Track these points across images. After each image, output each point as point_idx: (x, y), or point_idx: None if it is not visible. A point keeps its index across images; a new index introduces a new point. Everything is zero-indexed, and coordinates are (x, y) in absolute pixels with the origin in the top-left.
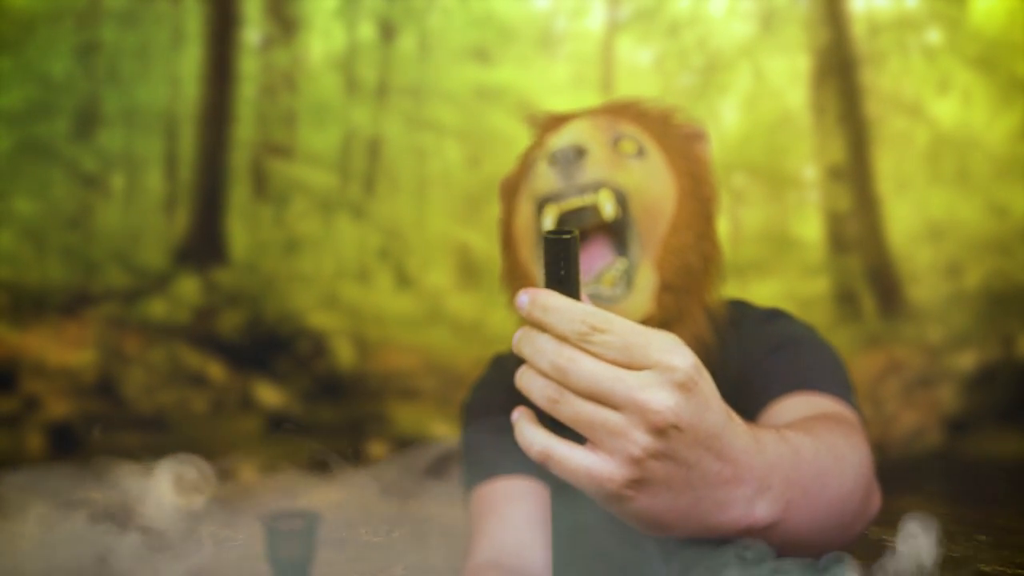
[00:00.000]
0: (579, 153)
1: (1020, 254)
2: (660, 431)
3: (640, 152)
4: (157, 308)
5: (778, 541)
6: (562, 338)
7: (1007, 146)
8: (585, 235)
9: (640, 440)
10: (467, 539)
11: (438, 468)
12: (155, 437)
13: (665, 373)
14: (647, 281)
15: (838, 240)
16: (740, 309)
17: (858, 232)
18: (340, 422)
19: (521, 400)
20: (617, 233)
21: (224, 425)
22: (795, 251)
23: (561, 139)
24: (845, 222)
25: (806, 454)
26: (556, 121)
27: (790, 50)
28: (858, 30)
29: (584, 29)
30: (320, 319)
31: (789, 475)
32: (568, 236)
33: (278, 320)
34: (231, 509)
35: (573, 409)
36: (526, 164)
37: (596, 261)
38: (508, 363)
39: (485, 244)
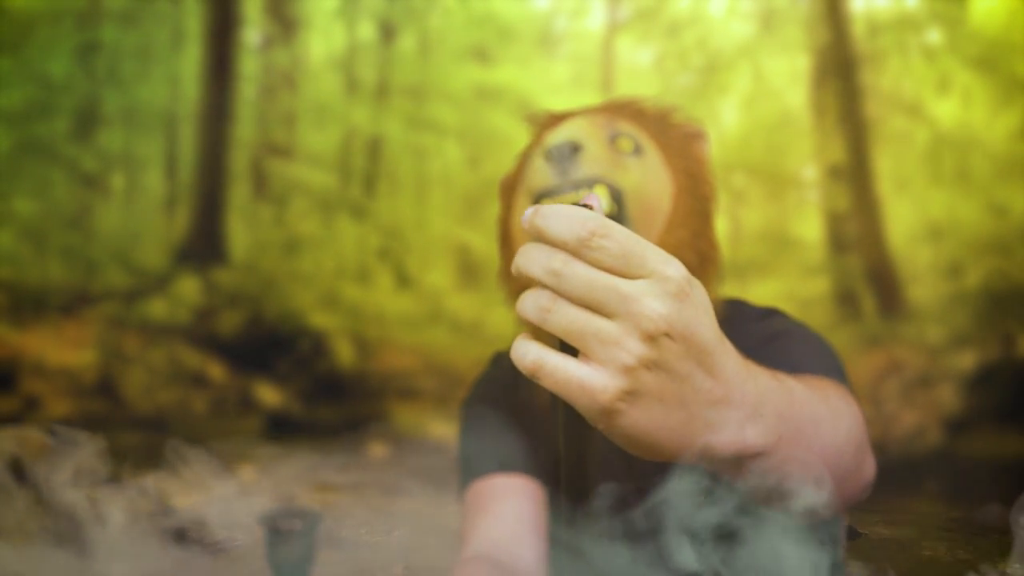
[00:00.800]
0: (574, 149)
1: (1020, 254)
2: (652, 338)
3: (637, 150)
4: (157, 308)
5: (767, 470)
6: (561, 243)
7: (1007, 146)
8: None
9: (633, 348)
10: (460, 534)
11: (437, 469)
12: (155, 437)
13: (659, 283)
14: None
15: (838, 240)
16: (736, 307)
17: (858, 232)
18: (340, 422)
19: (520, 397)
20: None
21: (224, 425)
22: (795, 251)
23: (557, 135)
24: (845, 222)
25: (799, 396)
26: (554, 120)
27: (790, 50)
28: (858, 30)
29: (584, 29)
30: (320, 319)
31: (781, 409)
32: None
33: (278, 320)
34: (231, 509)
35: (565, 318)
36: (524, 162)
37: None
38: (508, 361)
39: (485, 244)
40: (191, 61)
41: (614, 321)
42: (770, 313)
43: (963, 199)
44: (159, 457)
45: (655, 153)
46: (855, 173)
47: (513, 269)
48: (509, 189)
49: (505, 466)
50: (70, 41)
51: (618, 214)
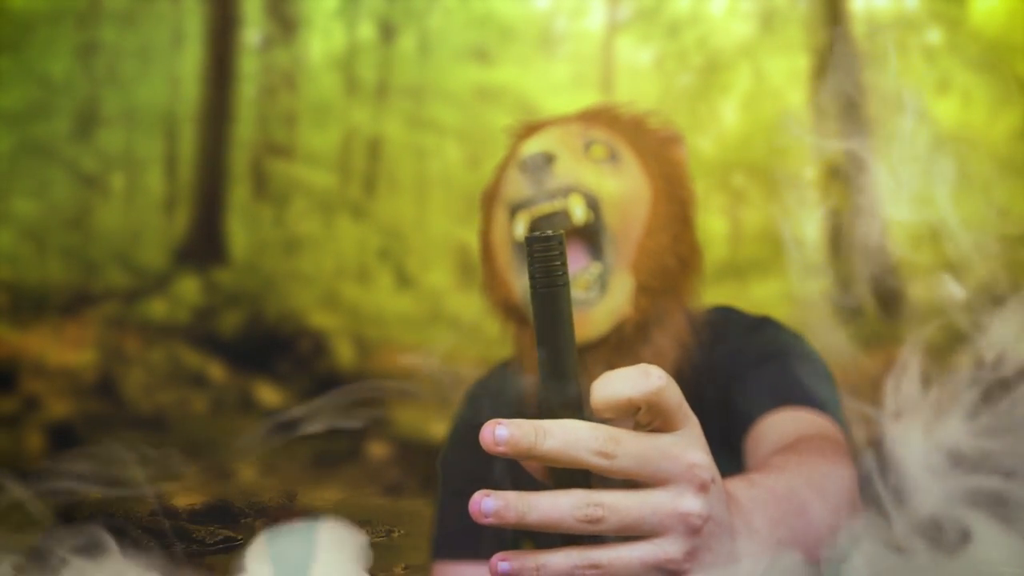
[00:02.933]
0: (548, 159)
1: (1020, 254)
2: (706, 489)
3: (612, 157)
4: (157, 308)
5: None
6: (577, 461)
7: (1007, 146)
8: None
9: (693, 507)
10: None
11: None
12: (155, 437)
13: (687, 435)
14: (622, 284)
15: (838, 240)
16: (726, 316)
17: (858, 232)
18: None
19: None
20: (591, 238)
21: (224, 425)
22: (795, 251)
23: (530, 146)
24: (845, 222)
25: (780, 491)
26: (529, 130)
27: (790, 50)
28: (858, 30)
29: (584, 29)
30: (320, 319)
31: (770, 515)
32: (553, 235)
33: (278, 320)
34: (231, 509)
35: (621, 513)
36: (501, 174)
37: (570, 266)
38: (482, 401)
39: None
40: (191, 61)
41: (668, 488)
42: (761, 323)
43: (963, 199)
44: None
45: (631, 159)
46: (855, 173)
47: (549, 455)
48: (488, 201)
49: (470, 553)
50: (70, 41)
51: (595, 222)
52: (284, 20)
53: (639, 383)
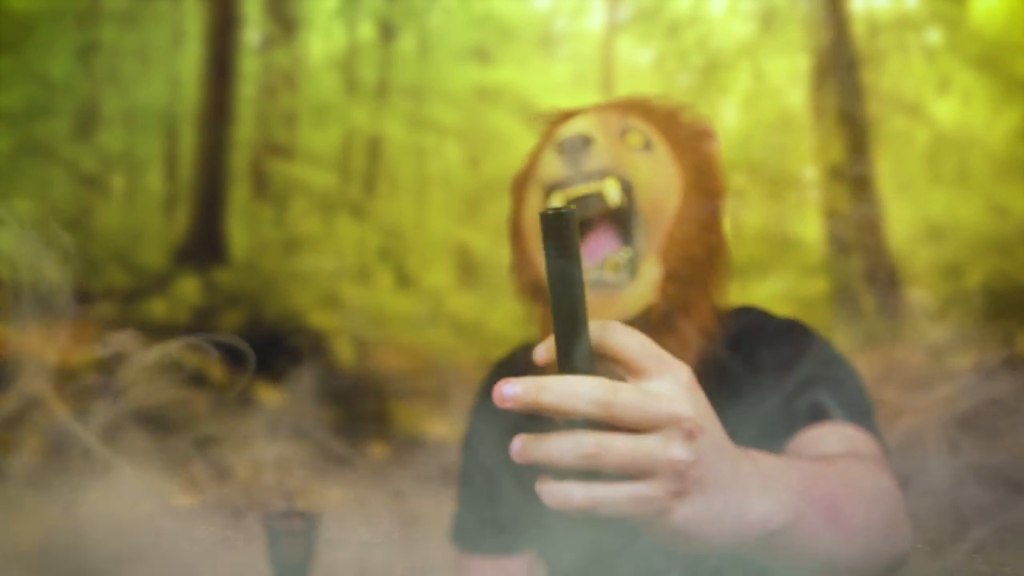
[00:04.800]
0: (585, 142)
1: (1020, 254)
2: (693, 437)
3: (647, 145)
4: (157, 308)
5: (796, 552)
6: (575, 411)
7: (1007, 146)
8: (590, 223)
9: (679, 453)
10: None
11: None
12: (155, 437)
13: (678, 386)
14: (651, 271)
15: (838, 240)
16: (754, 317)
17: (858, 232)
18: (340, 422)
19: (517, 427)
20: (622, 222)
21: (224, 425)
22: (795, 251)
23: (569, 128)
24: (845, 222)
25: (815, 472)
26: (564, 116)
27: (790, 50)
28: (858, 30)
29: (584, 29)
30: (320, 319)
31: (792, 485)
32: (566, 211)
33: (278, 320)
34: (231, 509)
35: (617, 452)
36: (534, 159)
37: (601, 249)
38: (503, 376)
39: (485, 244)
40: (191, 61)
41: (658, 434)
42: (791, 328)
43: (963, 199)
44: (160, 457)
45: (664, 149)
46: (855, 173)
47: (549, 406)
48: (520, 186)
49: (491, 549)
50: (70, 41)
51: (627, 207)
52: (284, 20)
53: (608, 336)
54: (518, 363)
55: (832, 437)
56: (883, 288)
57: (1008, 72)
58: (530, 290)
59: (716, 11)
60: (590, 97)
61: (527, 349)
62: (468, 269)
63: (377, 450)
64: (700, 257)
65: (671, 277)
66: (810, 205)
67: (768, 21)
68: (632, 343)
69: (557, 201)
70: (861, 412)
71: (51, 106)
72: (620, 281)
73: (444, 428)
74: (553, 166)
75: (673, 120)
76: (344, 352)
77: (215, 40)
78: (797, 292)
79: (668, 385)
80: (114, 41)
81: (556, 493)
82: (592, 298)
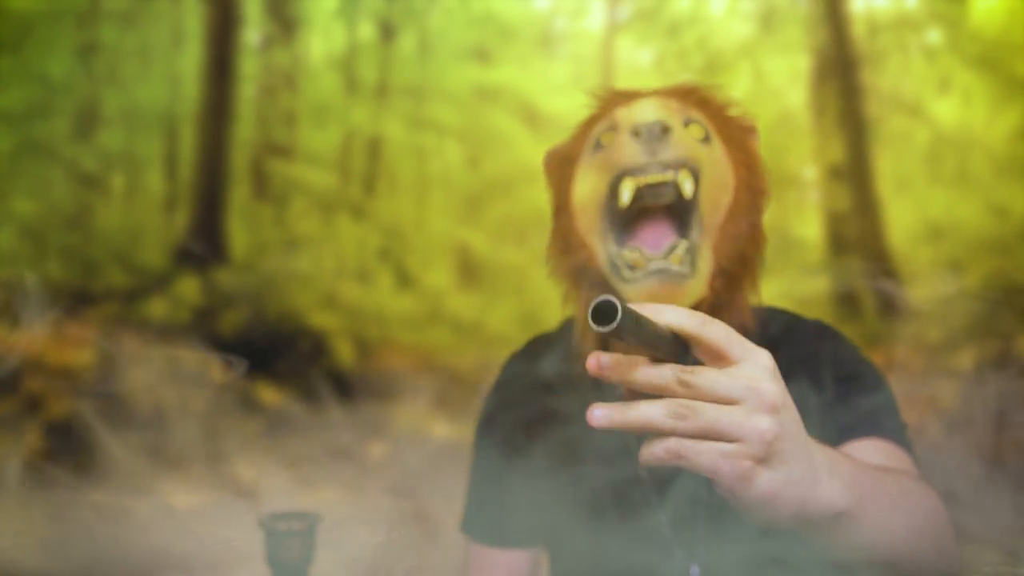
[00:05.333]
0: (664, 130)
1: (1020, 254)
2: (776, 410)
3: (706, 138)
4: (157, 308)
5: (852, 542)
6: (662, 388)
7: (1007, 146)
8: (650, 212)
9: (763, 423)
10: None
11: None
12: (155, 437)
13: (763, 368)
14: (706, 264)
15: (838, 240)
16: (783, 319)
17: (858, 232)
18: (340, 422)
19: (532, 417)
20: (680, 215)
21: (224, 425)
22: (795, 251)
23: (645, 114)
24: (845, 222)
25: (875, 473)
26: (622, 97)
27: (790, 50)
28: (858, 30)
29: (584, 29)
30: (320, 319)
31: (855, 474)
32: (614, 308)
33: (278, 320)
34: (231, 509)
35: (704, 416)
36: (585, 136)
37: (662, 239)
38: (521, 367)
39: (485, 244)
40: (191, 61)
41: (741, 406)
42: (823, 331)
43: (963, 199)
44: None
45: (719, 143)
46: (855, 173)
47: (632, 384)
48: (565, 160)
49: (502, 540)
50: (70, 41)
51: (691, 200)
52: (284, 20)
53: (683, 318)
54: (537, 351)
55: (875, 452)
56: (883, 288)
57: (1008, 72)
58: (575, 270)
59: (716, 11)
60: (589, 97)
61: (543, 339)
62: (468, 269)
63: (377, 450)
64: (747, 254)
65: (720, 272)
66: (810, 205)
67: (768, 21)
68: (719, 332)
69: (628, 187)
70: (897, 428)
71: (51, 106)
72: (684, 272)
73: (444, 428)
74: (629, 151)
75: (724, 114)
76: (344, 352)
77: (215, 40)
78: (797, 292)
79: (751, 367)
80: (114, 41)
81: (649, 447)
82: (657, 287)
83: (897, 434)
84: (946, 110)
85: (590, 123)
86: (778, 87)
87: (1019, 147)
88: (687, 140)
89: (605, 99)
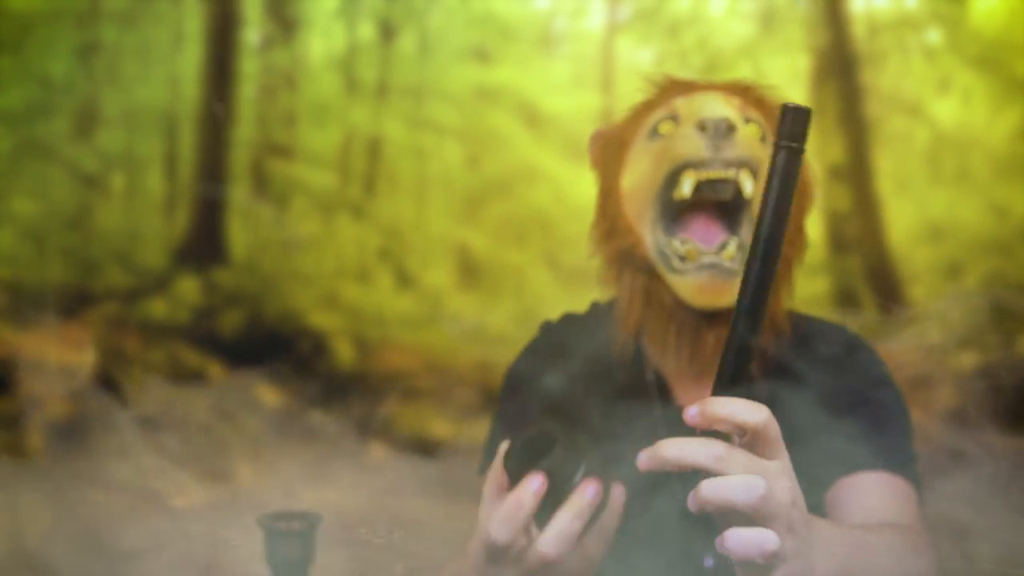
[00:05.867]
0: (731, 128)
1: (1020, 254)
2: (795, 503)
3: (763, 139)
4: (157, 308)
5: None
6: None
7: (1007, 146)
8: (702, 206)
9: (787, 497)
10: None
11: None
12: (155, 437)
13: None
14: None
15: (838, 240)
16: (811, 325)
17: (858, 232)
18: (340, 422)
19: (563, 372)
20: (733, 213)
21: (224, 425)
22: None
23: (712, 109)
24: (845, 222)
25: (863, 541)
26: (681, 87)
27: (790, 50)
28: (858, 30)
29: (584, 29)
30: (320, 319)
31: (851, 555)
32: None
33: (278, 320)
34: (231, 509)
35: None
36: (640, 121)
37: (714, 234)
38: (556, 334)
39: (485, 244)
40: (191, 61)
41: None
42: (851, 343)
43: (963, 199)
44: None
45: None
46: (855, 173)
47: (663, 456)
48: (617, 143)
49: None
50: (70, 41)
51: (750, 197)
52: (284, 20)
53: (753, 413)
54: (570, 329)
55: (881, 488)
56: (883, 288)
57: (1008, 72)
58: (619, 256)
59: (716, 11)
60: (590, 97)
61: (576, 318)
62: (468, 269)
63: (377, 450)
64: (788, 256)
65: None
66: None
67: (768, 21)
68: (773, 427)
69: (689, 180)
70: (908, 462)
71: (51, 106)
72: (734, 269)
73: (444, 428)
74: (694, 144)
75: (775, 115)
76: (344, 352)
77: (215, 40)
78: (797, 292)
79: (776, 465)
80: (114, 41)
81: (703, 490)
82: (707, 281)
83: (907, 469)
84: (946, 110)
85: (646, 109)
86: (778, 87)
87: (1019, 147)
88: (749, 139)
89: (662, 87)
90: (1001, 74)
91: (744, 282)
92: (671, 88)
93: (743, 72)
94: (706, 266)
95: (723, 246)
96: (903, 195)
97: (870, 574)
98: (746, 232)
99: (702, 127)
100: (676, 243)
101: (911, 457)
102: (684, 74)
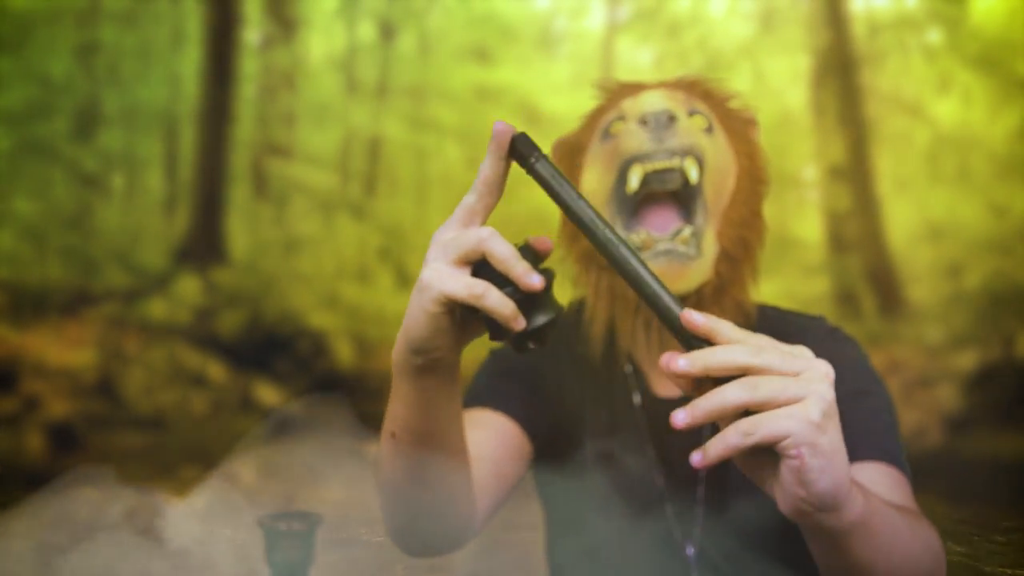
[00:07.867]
0: (671, 119)
1: (1020, 254)
2: (831, 382)
3: (709, 129)
4: (157, 308)
5: (859, 558)
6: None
7: (1007, 146)
8: (656, 198)
9: (825, 391)
10: None
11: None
12: (155, 437)
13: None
14: (710, 248)
15: (838, 240)
16: (795, 320)
17: (858, 232)
18: (340, 421)
19: (543, 365)
20: (685, 201)
21: (224, 425)
22: (795, 251)
23: (652, 103)
24: (845, 222)
25: (881, 501)
26: (629, 88)
27: (790, 50)
28: (858, 30)
29: (584, 29)
30: (320, 319)
31: (869, 498)
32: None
33: (278, 320)
34: (231, 509)
35: (771, 384)
36: (593, 126)
37: (667, 223)
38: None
39: None
40: (191, 61)
41: (803, 375)
42: (834, 335)
43: (963, 199)
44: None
45: (721, 133)
46: (855, 173)
47: (704, 367)
48: (573, 150)
49: (487, 402)
50: (70, 41)
51: (695, 186)
52: (284, 20)
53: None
54: (570, 317)
55: (876, 476)
56: (883, 288)
57: (1008, 72)
58: (584, 259)
59: (716, 11)
60: (590, 97)
61: (575, 306)
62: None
63: (377, 450)
64: (748, 240)
65: (724, 256)
66: (810, 205)
67: (768, 21)
68: (775, 352)
69: (636, 174)
70: (897, 451)
71: (51, 106)
72: (690, 253)
73: None
74: (636, 139)
75: (726, 106)
76: (344, 352)
77: (215, 40)
78: (797, 292)
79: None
80: (114, 41)
81: (723, 438)
82: (664, 267)
83: (897, 458)
84: (946, 110)
85: (598, 114)
86: (778, 87)
87: (1019, 147)
88: (692, 129)
89: (612, 91)
90: (1001, 74)
91: (628, 281)
92: (620, 91)
93: (743, 72)
94: (661, 252)
95: (677, 232)
96: (903, 195)
97: (887, 526)
98: (700, 218)
99: (644, 121)
100: (634, 237)
101: (900, 447)
102: (684, 74)
